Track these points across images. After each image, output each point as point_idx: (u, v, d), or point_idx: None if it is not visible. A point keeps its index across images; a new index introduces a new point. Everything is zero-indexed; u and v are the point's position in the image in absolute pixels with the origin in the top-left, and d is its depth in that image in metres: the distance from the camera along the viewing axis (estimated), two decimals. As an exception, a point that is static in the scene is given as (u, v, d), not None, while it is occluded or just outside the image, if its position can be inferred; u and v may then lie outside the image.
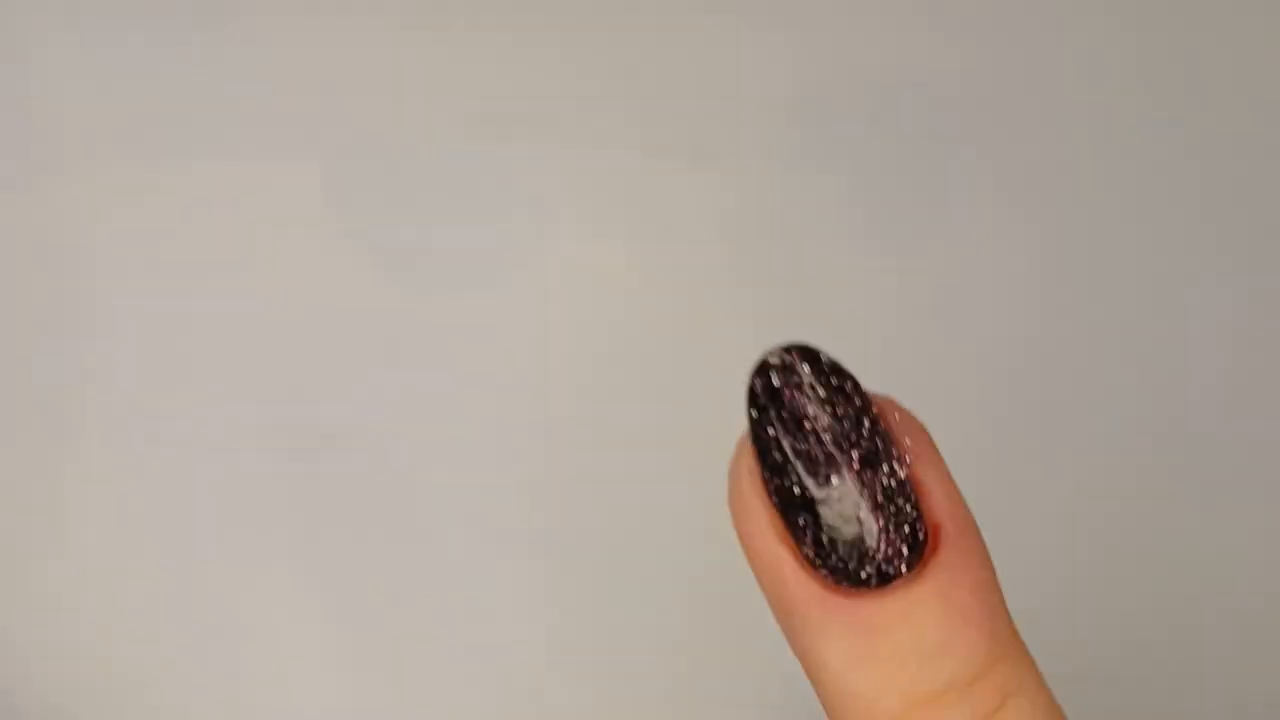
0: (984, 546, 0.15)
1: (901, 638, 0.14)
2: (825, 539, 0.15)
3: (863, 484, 0.15)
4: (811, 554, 0.15)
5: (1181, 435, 0.36)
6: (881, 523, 0.15)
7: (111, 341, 0.37)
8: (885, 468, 0.15)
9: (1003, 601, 0.15)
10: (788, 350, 0.15)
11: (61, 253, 0.37)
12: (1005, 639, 0.15)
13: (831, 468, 0.15)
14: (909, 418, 0.15)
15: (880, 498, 0.15)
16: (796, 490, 0.15)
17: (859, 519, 0.15)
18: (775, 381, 0.15)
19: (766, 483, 0.15)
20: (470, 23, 0.39)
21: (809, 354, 0.15)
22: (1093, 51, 0.38)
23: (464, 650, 0.34)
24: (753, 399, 0.15)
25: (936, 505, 0.15)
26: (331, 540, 0.35)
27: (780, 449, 0.15)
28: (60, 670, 0.34)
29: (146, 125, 0.38)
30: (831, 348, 0.35)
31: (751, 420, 0.15)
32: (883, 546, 0.15)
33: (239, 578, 0.35)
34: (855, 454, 0.15)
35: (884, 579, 0.15)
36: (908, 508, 0.15)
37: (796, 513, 0.15)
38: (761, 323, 0.35)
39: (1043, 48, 0.38)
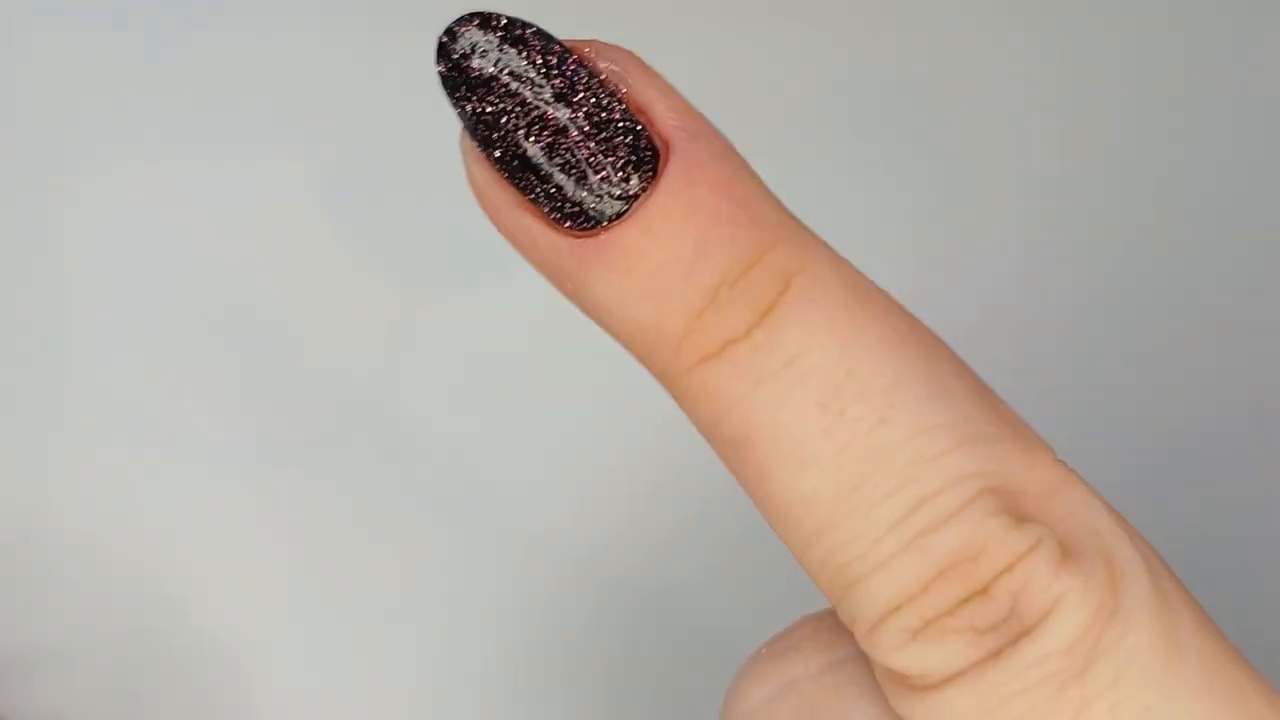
0: (726, 145, 0.15)
1: (656, 256, 0.14)
2: (556, 190, 0.15)
3: (571, 119, 0.15)
4: (548, 208, 0.15)
5: (1179, 437, 0.35)
6: (600, 151, 0.15)
7: (104, 340, 0.37)
8: (589, 97, 0.15)
9: (764, 191, 0.15)
10: (460, 22, 0.15)
11: (59, 250, 0.38)
12: (771, 224, 0.15)
13: (537, 117, 0.15)
14: (611, 47, 0.15)
15: (589, 127, 0.15)
16: (515, 154, 0.15)
17: (584, 159, 0.15)
18: (456, 57, 0.15)
19: (487, 158, 0.15)
20: None
21: (482, 18, 0.15)
22: (1093, 52, 0.39)
23: (463, 650, 0.34)
24: (443, 84, 0.15)
25: (660, 119, 0.15)
26: (331, 541, 0.35)
27: (484, 120, 0.15)
28: (60, 668, 0.34)
29: (142, 124, 0.39)
30: None
31: (452, 103, 0.15)
32: (609, 175, 0.15)
33: (236, 578, 0.35)
34: (554, 91, 0.15)
35: (622, 206, 0.15)
36: (622, 128, 0.15)
37: (521, 176, 0.15)
38: None
39: (1044, 49, 0.39)
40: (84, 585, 0.35)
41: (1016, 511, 0.14)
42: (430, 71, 0.41)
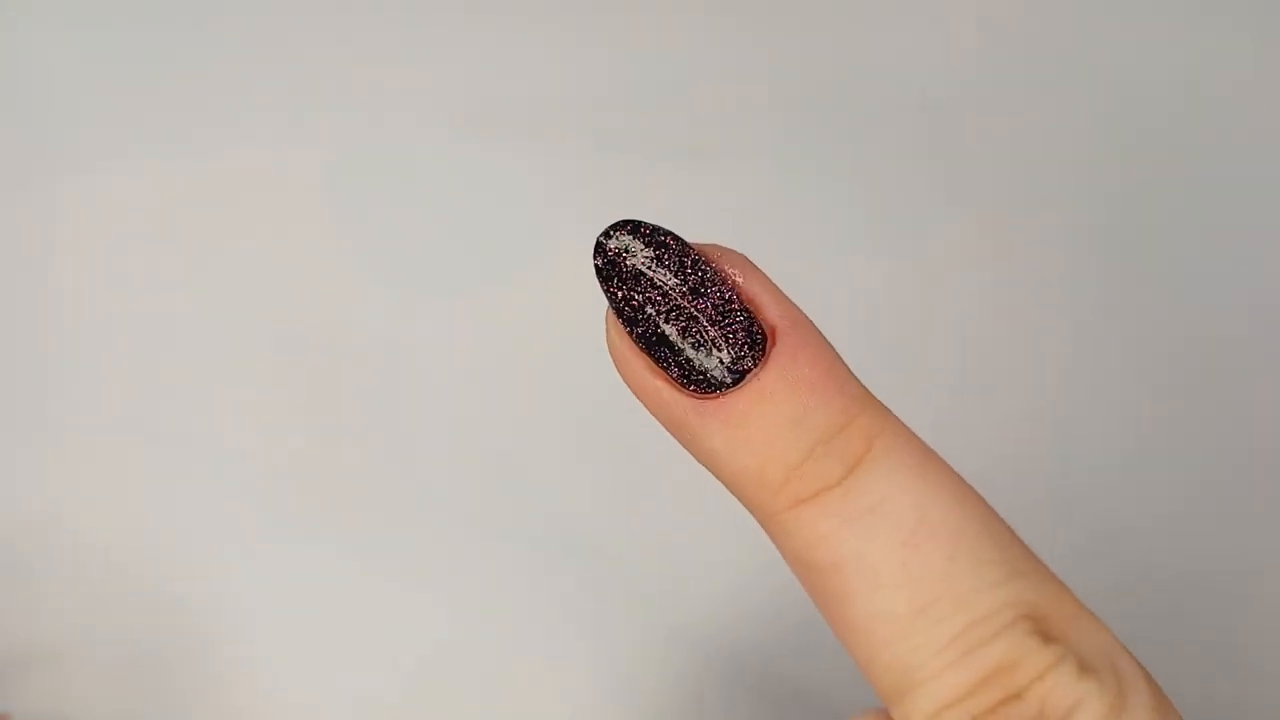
0: (818, 333, 0.19)
1: (764, 417, 0.18)
2: (686, 362, 0.19)
3: (699, 309, 0.18)
4: (678, 375, 0.19)
5: (1178, 441, 0.36)
6: (723, 332, 0.18)
7: (105, 338, 0.37)
8: (714, 292, 0.19)
9: (848, 371, 0.19)
10: (614, 228, 0.19)
11: (66, 247, 0.38)
12: (857, 397, 0.19)
13: (673, 305, 0.19)
14: (729, 251, 0.19)
15: (715, 315, 0.18)
16: (654, 332, 0.19)
17: (709, 339, 0.19)
18: (610, 254, 0.19)
19: (630, 334, 0.19)
20: (472, 22, 0.40)
21: (632, 225, 0.19)
22: (1092, 56, 0.39)
23: (465, 650, 0.34)
24: (598, 274, 0.19)
25: (767, 310, 0.19)
26: (336, 541, 0.35)
27: (631, 305, 0.19)
28: (61, 665, 0.34)
29: (145, 122, 0.39)
30: (832, 342, 0.36)
31: (604, 291, 0.19)
32: (729, 352, 0.18)
33: (238, 578, 0.35)
34: (687, 287, 0.19)
35: (738, 377, 0.18)
36: (740, 317, 0.18)
37: (658, 350, 0.19)
38: None
39: (1041, 52, 0.39)
40: (84, 585, 0.34)
41: (1045, 634, 0.18)
42: (433, 71, 0.39)
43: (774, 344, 0.19)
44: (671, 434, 0.19)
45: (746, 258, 0.19)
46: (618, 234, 0.19)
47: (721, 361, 0.18)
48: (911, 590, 0.18)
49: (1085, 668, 0.18)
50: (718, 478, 0.19)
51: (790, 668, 0.33)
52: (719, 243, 0.19)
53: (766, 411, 0.18)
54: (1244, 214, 0.38)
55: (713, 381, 0.18)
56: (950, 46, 0.39)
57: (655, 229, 0.19)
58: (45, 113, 0.39)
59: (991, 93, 0.39)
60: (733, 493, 0.19)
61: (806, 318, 0.19)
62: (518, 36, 0.40)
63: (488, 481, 0.35)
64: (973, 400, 0.36)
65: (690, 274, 0.19)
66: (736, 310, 0.19)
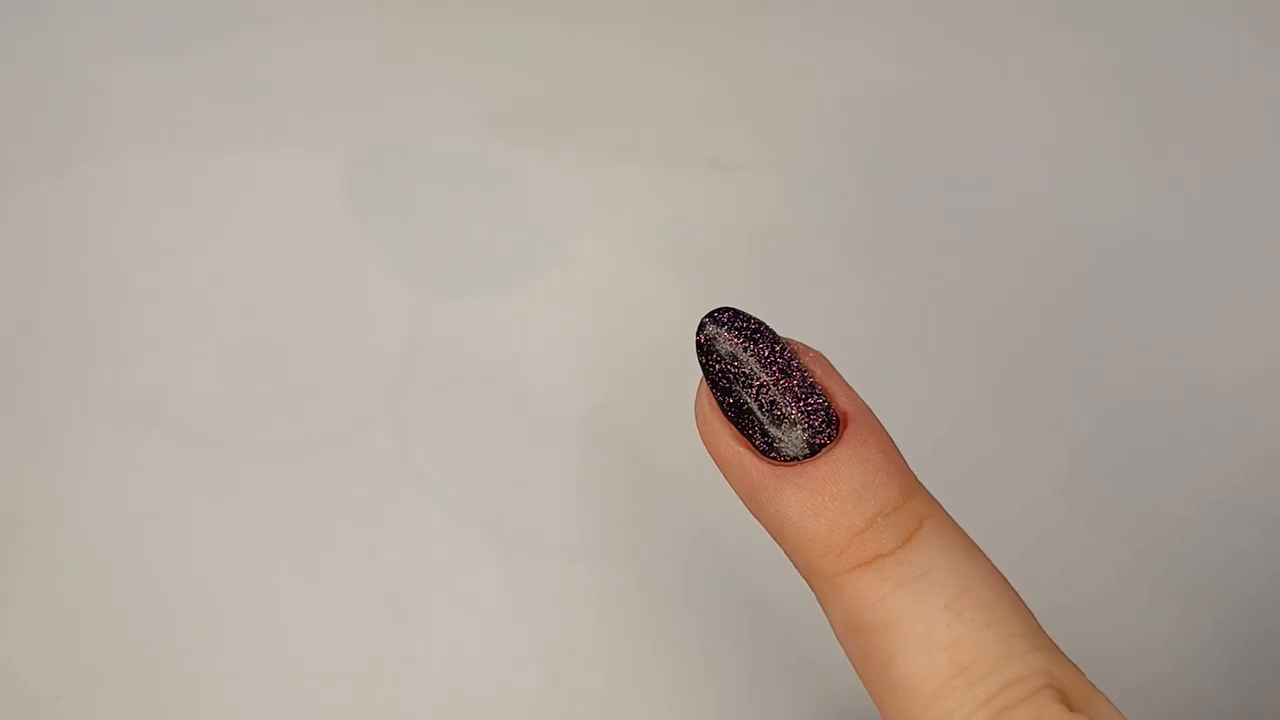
0: (880, 425, 0.22)
1: (835, 487, 0.21)
2: (768, 434, 0.21)
3: (784, 389, 0.21)
4: (762, 445, 0.21)
5: (1179, 447, 0.36)
6: (803, 411, 0.21)
7: (124, 334, 0.36)
8: (797, 376, 0.21)
9: (904, 461, 0.22)
10: (717, 311, 0.22)
11: (81, 242, 0.37)
12: (912, 483, 0.21)
13: (761, 384, 0.21)
14: (808, 349, 0.22)
15: (799, 393, 0.21)
16: (742, 404, 0.21)
17: (790, 416, 0.21)
18: (710, 333, 0.22)
19: (720, 404, 0.21)
20: (493, 28, 0.40)
21: (731, 312, 0.22)
22: (1102, 70, 0.39)
23: (476, 652, 0.34)
24: (699, 348, 0.22)
25: (839, 398, 0.22)
26: (340, 541, 0.35)
27: (724, 377, 0.21)
28: (60, 664, 0.33)
29: (164, 120, 0.39)
30: (847, 355, 0.37)
31: (701, 364, 0.22)
32: (807, 429, 0.21)
33: (242, 577, 0.34)
34: (775, 370, 0.21)
35: (814, 450, 0.21)
36: (819, 400, 0.21)
37: (745, 420, 0.21)
38: (777, 330, 0.36)
39: (1055, 67, 0.39)
40: (84, 585, 0.34)
41: (1067, 703, 0.20)
42: (454, 77, 0.38)
43: (845, 426, 0.21)
44: (744, 499, 0.22)
45: (822, 355, 0.22)
46: (719, 317, 0.22)
47: (800, 437, 0.21)
48: (953, 651, 0.20)
49: None
50: (782, 542, 0.21)
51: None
52: (805, 342, 0.22)
53: (839, 483, 0.21)
54: (1255, 216, 0.38)
55: (791, 454, 0.21)
56: (972, 62, 0.40)
57: (752, 318, 0.22)
58: (72, 104, 0.38)
59: (1013, 108, 0.39)
60: (794, 557, 0.21)
61: (872, 411, 0.22)
62: (537, 44, 0.40)
63: (501, 487, 0.35)
64: (989, 414, 0.36)
65: (778, 358, 0.22)
66: (817, 394, 0.21)
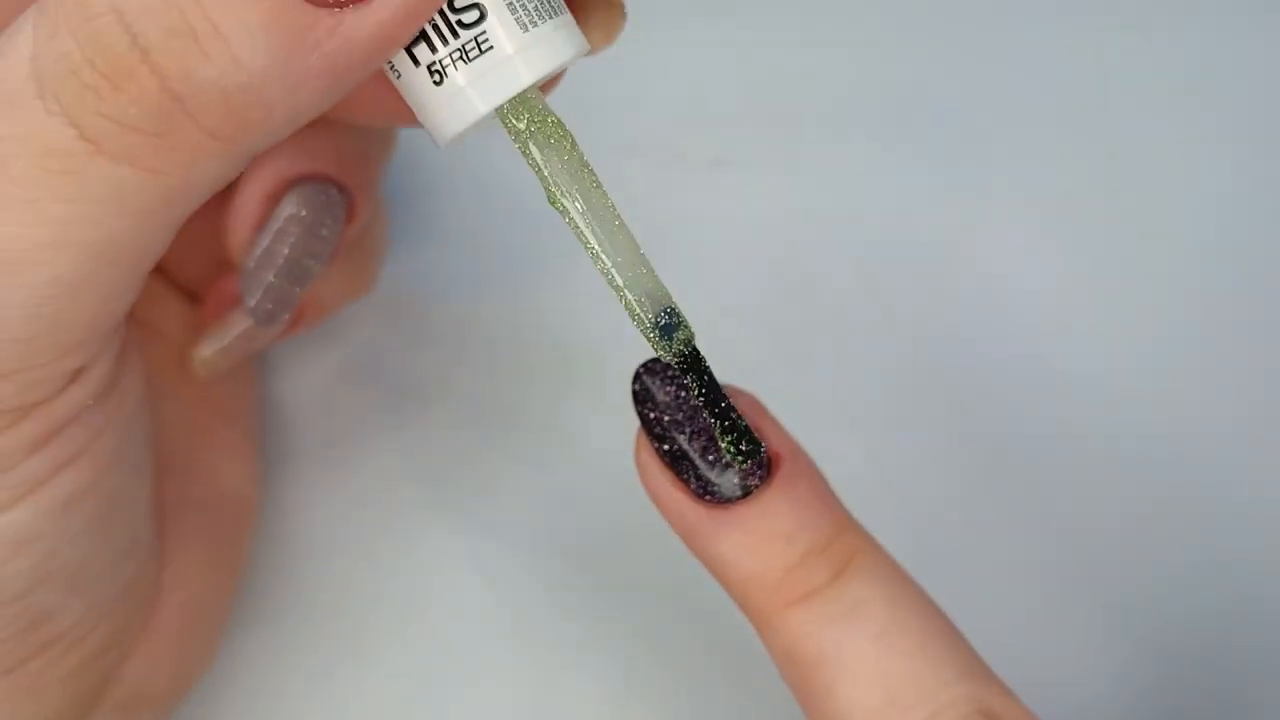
0: (812, 464, 0.23)
1: (768, 527, 0.22)
2: (703, 478, 0.22)
3: (721, 435, 0.22)
4: (696, 488, 0.22)
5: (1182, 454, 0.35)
6: (738, 456, 0.22)
7: None
8: (731, 421, 0.22)
9: (836, 498, 0.22)
10: (651, 362, 0.23)
11: None
12: (843, 520, 0.22)
13: (695, 429, 0.22)
14: (741, 393, 0.23)
15: (733, 440, 0.22)
16: (678, 450, 0.22)
17: (723, 460, 0.22)
18: (645, 383, 0.22)
19: (657, 451, 0.22)
20: None
21: (658, 365, 0.23)
22: (1111, 65, 0.39)
23: (472, 654, 0.34)
24: (635, 398, 0.23)
25: (772, 440, 0.22)
26: (335, 536, 0.35)
27: (660, 425, 0.22)
28: None
29: None
30: (847, 355, 0.36)
31: (637, 413, 0.23)
32: (741, 472, 0.22)
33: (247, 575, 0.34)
34: (708, 416, 0.22)
35: (747, 491, 0.22)
36: (749, 445, 0.22)
37: (680, 465, 0.22)
38: (777, 331, 0.36)
39: (1063, 62, 0.39)
40: None
41: None
42: None
43: (777, 468, 0.22)
44: (683, 540, 0.23)
45: (755, 398, 0.23)
46: (653, 367, 0.23)
47: (734, 480, 0.22)
48: (883, 682, 0.21)
49: None
50: (721, 581, 0.22)
51: None
52: (732, 384, 0.23)
53: (770, 523, 0.22)
54: (1259, 215, 0.38)
55: (724, 494, 0.22)
56: (973, 59, 0.39)
57: (683, 368, 0.23)
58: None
59: (1013, 104, 0.39)
60: (733, 595, 0.22)
61: (804, 451, 0.23)
62: None
63: (494, 484, 0.35)
64: (988, 414, 0.36)
65: (713, 405, 0.22)
66: (749, 436, 0.22)
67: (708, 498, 0.22)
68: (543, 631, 0.34)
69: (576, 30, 0.21)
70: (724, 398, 0.22)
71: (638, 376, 0.23)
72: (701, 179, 0.38)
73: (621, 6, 0.23)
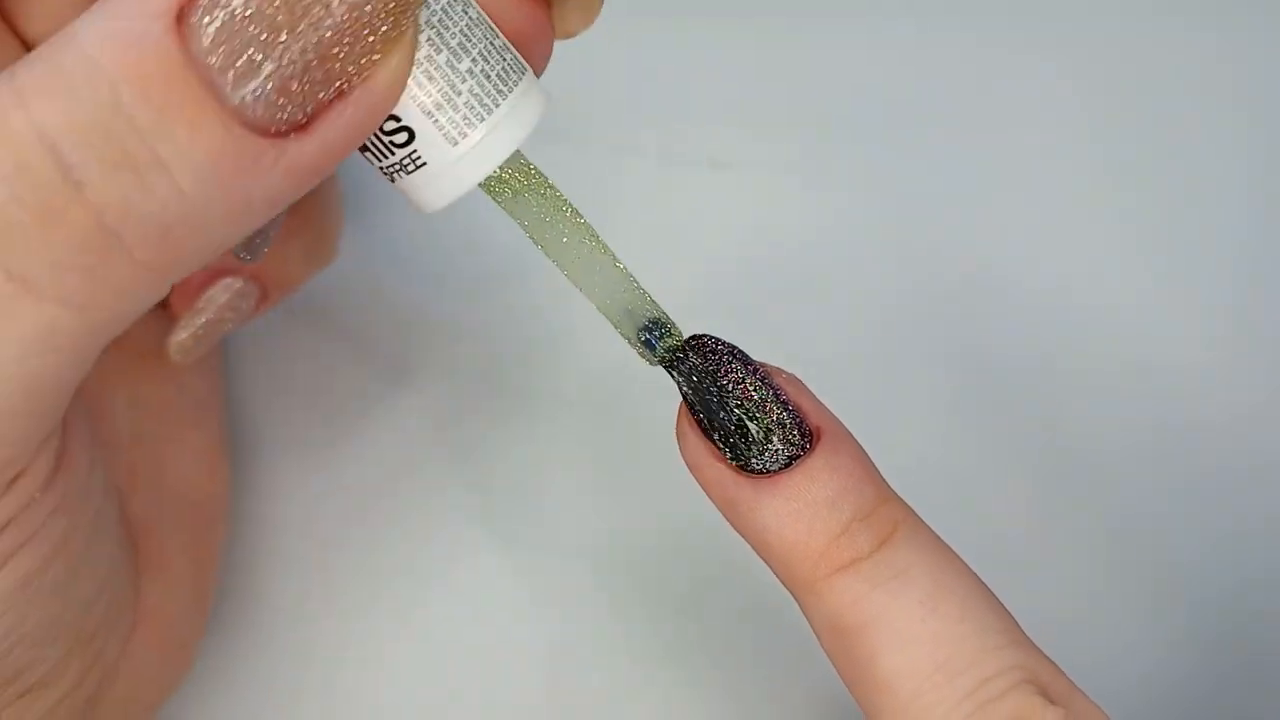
0: (852, 436, 0.23)
1: (811, 494, 0.22)
2: (746, 449, 0.22)
3: (762, 409, 0.22)
4: (740, 461, 0.22)
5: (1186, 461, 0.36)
6: (779, 425, 0.22)
7: None
8: (771, 394, 0.22)
9: (876, 469, 0.22)
10: (693, 338, 0.22)
11: None
12: (885, 490, 0.22)
13: (736, 402, 0.22)
14: (780, 371, 0.23)
15: (774, 409, 0.22)
16: (720, 422, 0.22)
17: (766, 432, 0.22)
18: (687, 357, 0.22)
19: (699, 423, 0.22)
20: None
21: (707, 337, 0.23)
22: (1105, 69, 0.39)
23: (470, 654, 0.34)
24: (678, 372, 0.22)
25: (812, 414, 0.22)
26: (338, 535, 0.35)
27: (702, 398, 0.22)
28: None
29: None
30: (846, 355, 0.35)
31: (679, 386, 0.22)
32: (784, 443, 0.22)
33: (242, 572, 0.34)
34: (750, 389, 0.22)
35: (790, 462, 0.22)
36: (791, 415, 0.22)
37: (721, 437, 0.22)
38: (777, 331, 0.36)
39: (1065, 62, 0.39)
40: None
41: (1047, 697, 0.21)
42: None
43: (818, 439, 0.22)
44: (725, 514, 0.22)
45: (796, 377, 0.23)
46: (694, 343, 0.23)
47: (776, 450, 0.22)
48: (931, 646, 0.20)
49: None
50: (762, 552, 0.22)
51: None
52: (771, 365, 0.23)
53: (813, 490, 0.22)
54: (1258, 217, 0.38)
55: (765, 466, 0.22)
56: (974, 59, 0.39)
57: (725, 343, 0.23)
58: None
59: (1009, 109, 0.39)
60: (774, 565, 0.22)
61: (844, 425, 0.23)
62: None
63: (494, 483, 0.35)
64: (985, 413, 0.36)
65: (756, 379, 0.22)
66: (790, 410, 0.22)
67: (750, 469, 0.22)
68: (537, 632, 0.34)
69: (523, 108, 0.21)
70: (775, 389, 0.22)
71: (682, 348, 0.22)
72: (700, 179, 0.38)
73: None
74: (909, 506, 0.22)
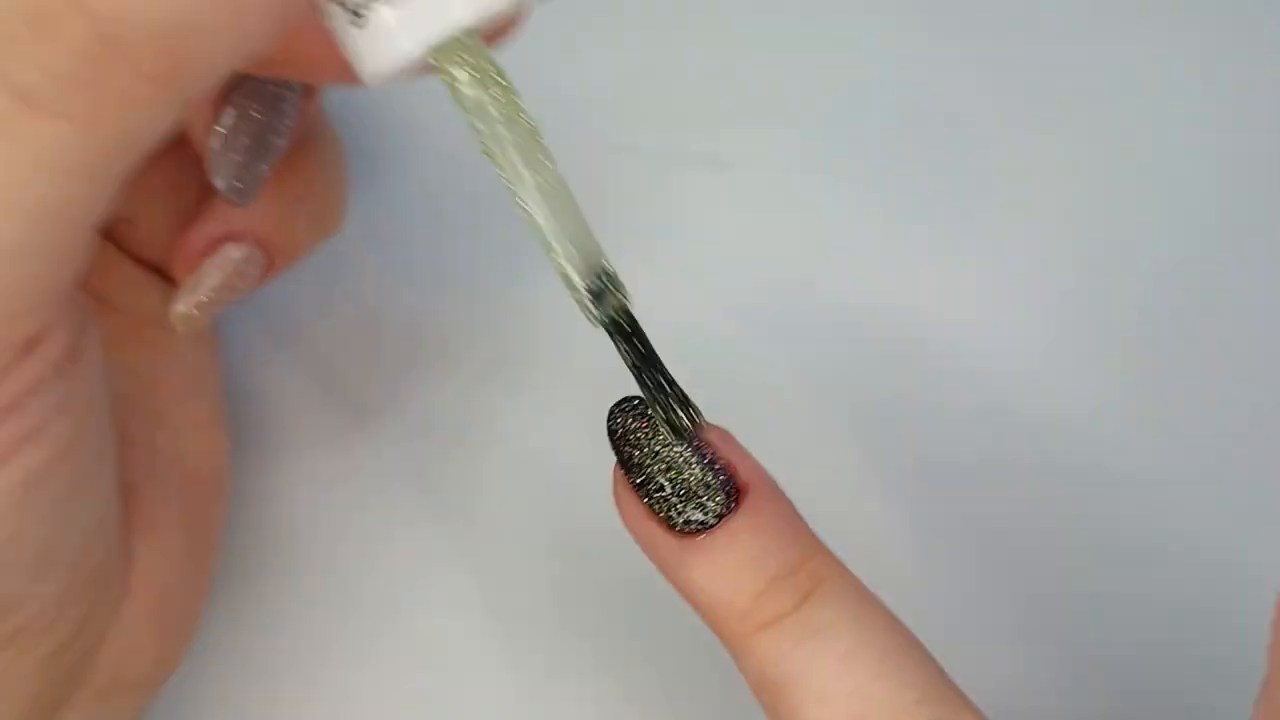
0: (780, 492, 0.23)
1: (735, 553, 0.22)
2: (676, 508, 0.23)
3: (690, 468, 0.23)
4: (670, 520, 0.23)
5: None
6: (706, 486, 0.23)
7: None
8: (700, 454, 0.23)
9: (804, 524, 0.23)
10: (623, 401, 0.23)
11: None
12: (809, 546, 0.23)
13: (667, 462, 0.23)
14: (714, 427, 0.24)
15: (702, 469, 0.23)
16: (652, 483, 0.23)
17: (695, 491, 0.23)
18: (619, 421, 0.23)
19: (633, 486, 0.23)
20: None
21: (637, 399, 0.23)
22: (1107, 65, 0.39)
23: (470, 653, 0.34)
24: (610, 436, 0.23)
25: (741, 470, 0.23)
26: (335, 536, 0.35)
27: (635, 462, 0.23)
28: None
29: None
30: (846, 355, 0.35)
31: (614, 449, 0.23)
32: (707, 502, 0.23)
33: (240, 570, 0.34)
34: (680, 449, 0.23)
35: (715, 522, 0.23)
36: (720, 476, 0.23)
37: (654, 498, 0.23)
38: (776, 331, 0.36)
39: (1059, 63, 0.39)
40: None
41: None
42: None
43: (745, 496, 0.23)
44: (660, 570, 0.23)
45: (727, 431, 0.24)
46: (625, 406, 0.23)
47: (704, 509, 0.23)
48: (848, 704, 0.21)
49: None
50: (695, 608, 0.23)
51: None
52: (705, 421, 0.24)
53: (737, 549, 0.22)
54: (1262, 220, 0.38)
55: (694, 526, 0.23)
56: (974, 60, 0.39)
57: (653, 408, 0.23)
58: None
59: (1009, 105, 0.39)
60: (707, 621, 0.23)
61: (772, 479, 0.23)
62: (535, 42, 0.37)
63: (493, 483, 0.35)
64: (983, 406, 0.36)
65: (686, 442, 0.23)
66: (719, 469, 0.23)
67: (680, 528, 0.23)
68: (532, 630, 0.34)
69: None
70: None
71: (612, 414, 0.23)
72: (701, 179, 0.38)
73: None
74: (834, 560, 0.23)
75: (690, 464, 0.23)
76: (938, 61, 0.39)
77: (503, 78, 0.19)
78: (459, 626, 0.34)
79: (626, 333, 0.21)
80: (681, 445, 0.23)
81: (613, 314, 0.20)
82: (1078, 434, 0.36)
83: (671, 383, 0.22)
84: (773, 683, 0.22)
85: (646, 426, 0.23)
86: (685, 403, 0.22)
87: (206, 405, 0.30)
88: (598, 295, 0.20)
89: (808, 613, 0.22)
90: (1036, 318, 0.37)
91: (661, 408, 0.22)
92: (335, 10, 0.19)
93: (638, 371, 0.21)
